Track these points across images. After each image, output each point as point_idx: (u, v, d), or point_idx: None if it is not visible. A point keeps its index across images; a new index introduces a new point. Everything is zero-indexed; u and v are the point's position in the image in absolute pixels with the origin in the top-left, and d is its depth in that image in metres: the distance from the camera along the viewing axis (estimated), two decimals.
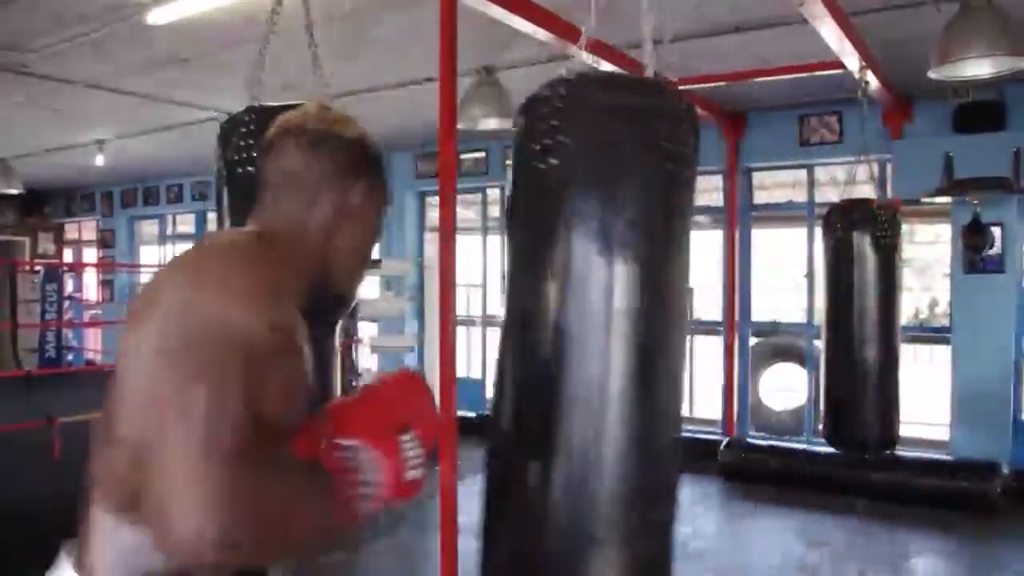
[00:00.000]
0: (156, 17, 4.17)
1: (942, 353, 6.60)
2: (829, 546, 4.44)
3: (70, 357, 9.91)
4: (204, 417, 0.93)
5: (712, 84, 5.35)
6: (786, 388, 7.04)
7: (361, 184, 1.23)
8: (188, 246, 1.25)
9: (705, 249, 7.80)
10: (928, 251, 9.88)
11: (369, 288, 7.43)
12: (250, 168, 2.27)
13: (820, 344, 5.30)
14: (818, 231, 5.43)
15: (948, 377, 5.60)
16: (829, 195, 6.40)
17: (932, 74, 3.87)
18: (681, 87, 5.51)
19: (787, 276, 7.49)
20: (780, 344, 7.21)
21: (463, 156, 6.83)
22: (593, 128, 1.67)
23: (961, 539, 4.64)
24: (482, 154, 7.40)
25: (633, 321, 1.62)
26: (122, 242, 10.82)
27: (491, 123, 5.15)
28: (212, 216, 6.70)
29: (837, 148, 5.89)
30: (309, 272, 1.19)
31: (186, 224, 10.40)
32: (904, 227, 5.11)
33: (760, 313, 6.93)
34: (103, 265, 10.91)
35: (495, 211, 8.01)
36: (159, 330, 1.01)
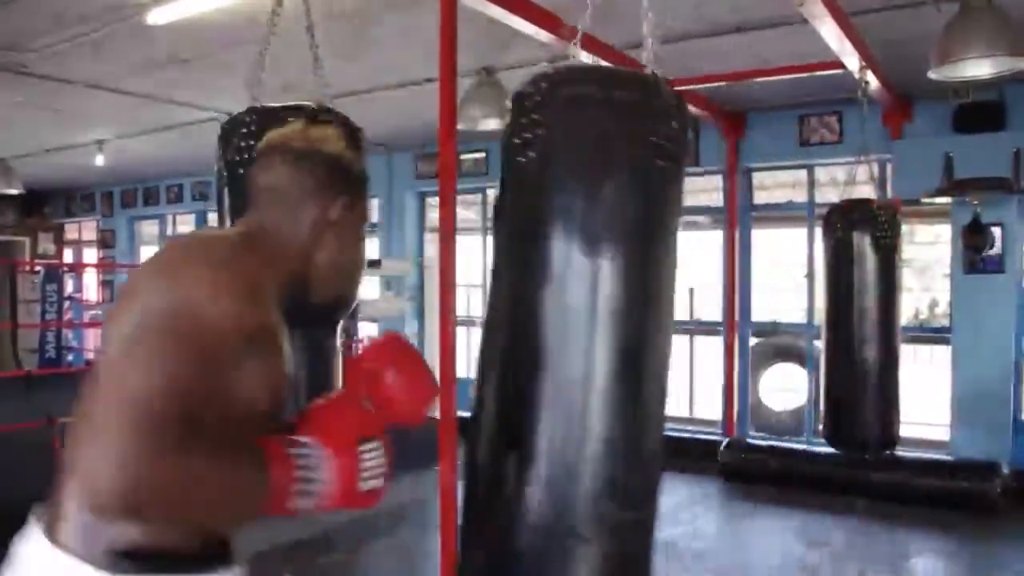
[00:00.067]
0: (156, 17, 4.17)
1: (942, 353, 6.60)
2: (829, 546, 4.44)
3: (70, 357, 9.91)
4: (143, 391, 0.99)
5: (712, 84, 5.35)
6: (786, 388, 7.04)
7: (341, 200, 1.29)
8: None
9: (705, 249, 7.80)
10: (928, 251, 9.88)
11: (369, 288, 7.43)
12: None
13: (820, 344, 5.30)
14: (818, 231, 5.43)
15: (948, 377, 5.60)
16: (829, 195, 6.40)
17: (932, 74, 3.87)
18: (681, 87, 5.52)
19: (787, 276, 7.49)
20: (780, 344, 7.21)
21: (463, 156, 6.83)
22: (571, 121, 1.65)
23: (961, 539, 4.64)
24: (482, 154, 7.40)
25: (614, 319, 1.60)
26: (122, 242, 10.82)
27: (491, 123, 5.15)
28: (212, 216, 6.71)
29: (837, 148, 5.89)
30: (288, 278, 1.25)
31: (186, 224, 10.40)
32: (904, 227, 5.11)
33: (760, 313, 6.93)
34: (103, 265, 10.92)
35: None
36: (132, 318, 1.07)
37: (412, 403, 1.33)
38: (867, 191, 5.28)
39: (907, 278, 6.40)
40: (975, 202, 5.17)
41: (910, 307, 9.14)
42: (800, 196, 6.64)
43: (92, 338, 11.22)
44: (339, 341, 2.94)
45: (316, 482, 1.12)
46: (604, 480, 1.59)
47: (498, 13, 3.70)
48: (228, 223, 2.51)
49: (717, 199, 6.91)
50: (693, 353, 7.95)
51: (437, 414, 3.22)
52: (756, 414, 6.79)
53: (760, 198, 6.94)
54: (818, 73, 4.87)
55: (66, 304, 9.91)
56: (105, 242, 11.07)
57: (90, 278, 11.47)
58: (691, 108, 5.70)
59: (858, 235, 4.84)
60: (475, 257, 7.95)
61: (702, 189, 7.55)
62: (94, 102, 6.02)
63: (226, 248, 1.17)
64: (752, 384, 6.84)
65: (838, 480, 5.25)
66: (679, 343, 8.29)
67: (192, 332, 1.04)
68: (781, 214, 7.38)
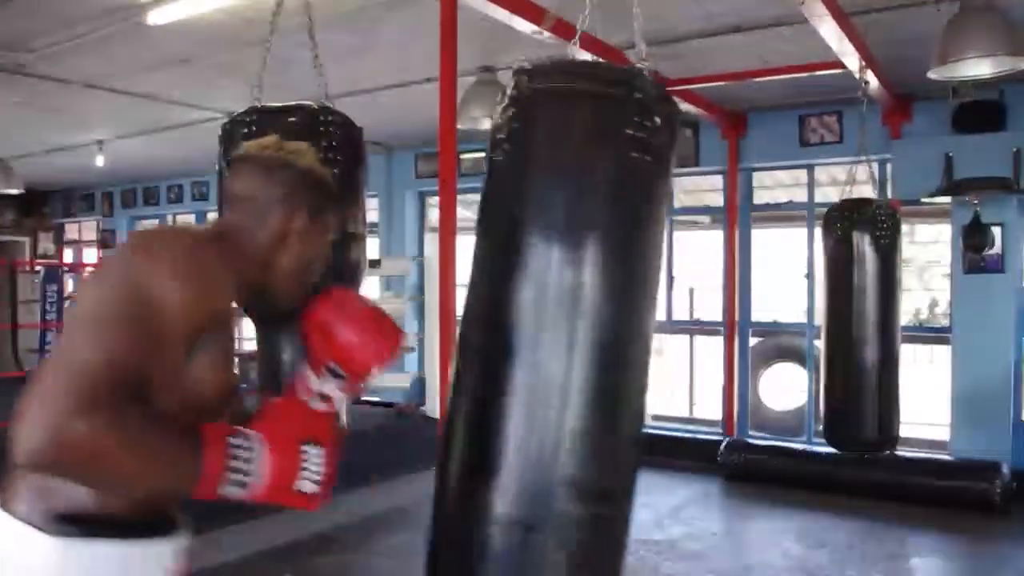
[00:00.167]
0: (156, 17, 4.17)
1: (942, 353, 6.60)
2: (829, 546, 4.44)
3: None
4: (82, 362, 1.05)
5: (712, 84, 5.35)
6: (786, 388, 7.05)
7: (305, 211, 1.35)
8: None
9: (705, 249, 7.81)
10: (928, 251, 9.89)
11: (369, 288, 7.43)
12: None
13: (820, 344, 5.30)
14: (818, 231, 5.43)
15: (948, 377, 5.60)
16: (829, 195, 6.40)
17: (932, 74, 3.87)
18: (681, 87, 5.50)
19: (787, 276, 7.49)
20: (780, 344, 7.21)
21: (463, 156, 6.83)
22: (544, 115, 1.65)
23: (961, 539, 4.64)
24: (482, 154, 7.38)
25: (585, 315, 1.59)
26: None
27: (491, 123, 5.14)
28: (213, 216, 6.70)
29: (837, 148, 5.89)
30: (249, 279, 1.32)
31: None
32: (904, 227, 5.12)
33: (760, 313, 6.93)
34: None
35: None
36: (89, 299, 1.15)
37: (367, 349, 1.34)
38: (867, 191, 5.28)
39: (907, 278, 6.40)
40: (975, 202, 5.17)
41: (910, 307, 9.14)
42: (800, 196, 6.65)
43: None
44: None
45: (249, 474, 1.15)
46: (577, 475, 1.58)
47: (498, 13, 3.70)
48: None
49: (717, 199, 6.91)
50: (693, 353, 7.95)
51: (436, 414, 3.22)
52: (756, 414, 6.79)
53: (760, 198, 6.94)
54: (818, 73, 4.87)
55: (66, 304, 9.90)
56: (105, 242, 11.07)
57: None
58: (691, 108, 5.72)
59: (858, 235, 4.84)
60: None
61: (702, 189, 7.56)
62: (94, 102, 6.02)
63: (188, 240, 1.22)
64: (752, 384, 6.84)
65: (838, 480, 5.25)
66: (680, 343, 8.36)
67: (142, 314, 1.10)
68: (781, 214, 7.38)
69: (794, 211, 6.85)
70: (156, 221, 10.64)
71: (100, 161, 7.85)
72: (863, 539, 4.57)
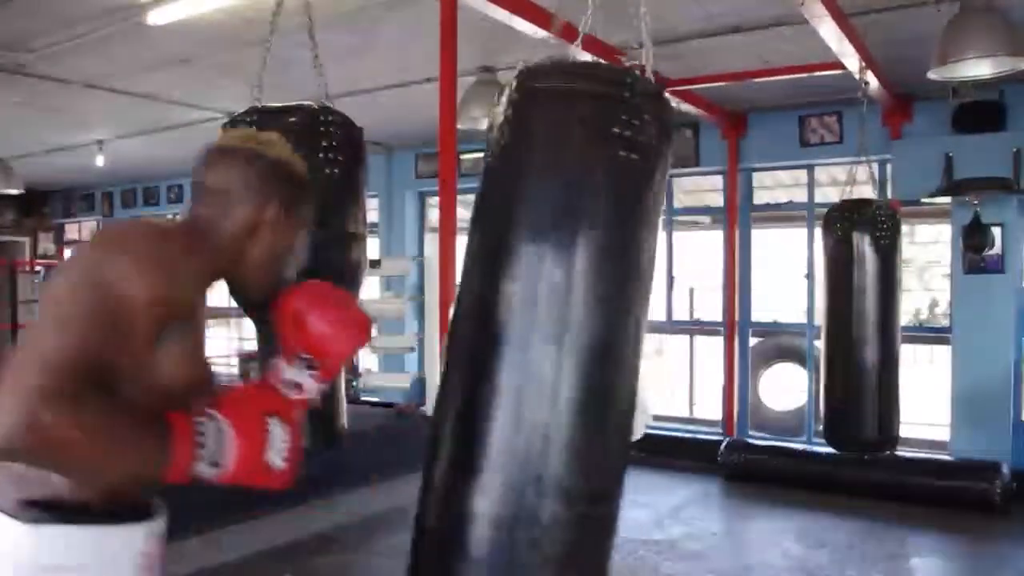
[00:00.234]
0: (156, 17, 4.17)
1: (942, 353, 6.60)
2: (829, 546, 4.44)
3: None
4: (48, 350, 1.08)
5: (712, 84, 5.35)
6: (786, 388, 7.05)
7: (275, 202, 1.36)
8: None
9: (705, 249, 7.81)
10: (928, 251, 9.89)
11: (369, 288, 7.43)
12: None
13: (820, 344, 5.30)
14: (818, 231, 5.43)
15: (948, 377, 5.60)
16: (829, 195, 6.40)
17: (932, 74, 3.87)
18: (681, 87, 5.49)
19: (787, 276, 7.50)
20: (780, 344, 7.21)
21: (463, 156, 6.82)
22: (534, 115, 1.65)
23: (961, 539, 4.64)
24: (482, 154, 7.40)
25: (570, 314, 1.58)
26: None
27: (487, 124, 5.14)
28: None
29: (837, 148, 5.89)
30: (220, 270, 1.35)
31: None
32: (904, 227, 5.12)
33: (760, 313, 6.93)
34: None
35: None
36: (58, 290, 1.17)
37: (338, 340, 1.36)
38: (867, 191, 5.28)
39: (907, 278, 6.40)
40: (975, 202, 5.17)
41: (910, 307, 9.15)
42: (800, 196, 6.65)
43: None
44: None
45: (218, 453, 1.17)
46: (564, 476, 1.57)
47: (498, 13, 3.70)
48: None
49: (717, 199, 6.91)
50: (693, 353, 7.95)
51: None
52: (756, 414, 6.79)
53: (760, 198, 6.94)
54: (818, 73, 4.87)
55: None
56: None
57: None
58: (691, 108, 5.72)
59: (858, 235, 4.84)
60: None
61: (702, 189, 7.56)
62: (94, 102, 6.02)
63: (152, 233, 1.24)
64: (752, 384, 6.84)
65: (838, 480, 5.25)
66: (680, 343, 8.35)
67: (106, 307, 1.13)
68: (781, 214, 7.38)
69: (794, 211, 6.85)
70: None
71: (100, 161, 7.84)
72: (863, 539, 4.57)
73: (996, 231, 5.29)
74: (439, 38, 3.51)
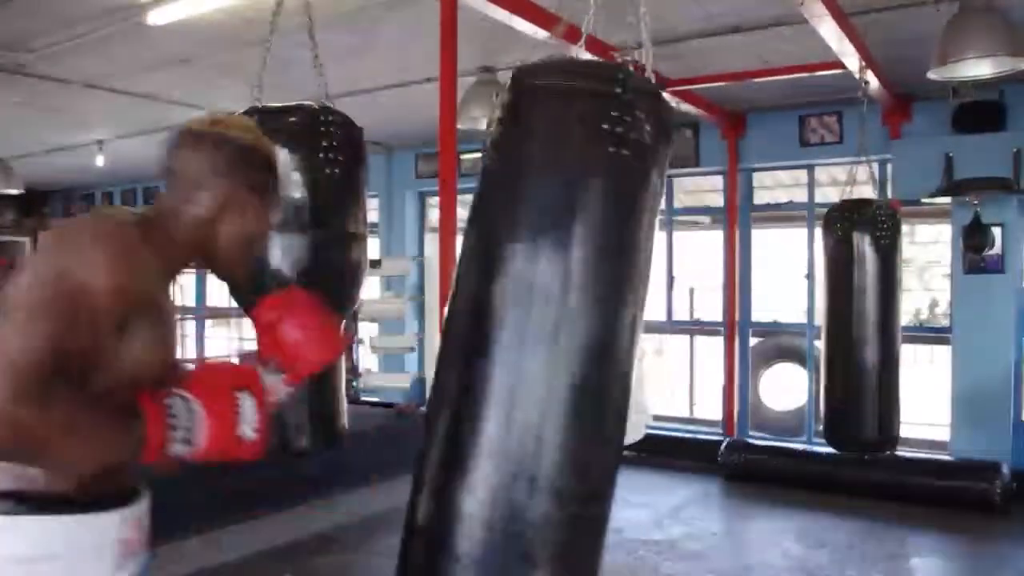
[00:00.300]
0: (156, 17, 4.17)
1: (942, 353, 6.59)
2: (829, 546, 4.44)
3: None
4: (13, 347, 1.09)
5: (712, 84, 5.35)
6: (786, 388, 7.04)
7: (243, 186, 1.35)
8: None
9: (705, 249, 7.80)
10: (928, 251, 9.89)
11: (369, 288, 7.43)
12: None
13: (820, 344, 5.30)
14: (818, 231, 5.43)
15: (948, 377, 5.60)
16: (829, 195, 6.40)
17: (932, 74, 3.87)
18: (681, 87, 5.48)
19: (787, 276, 7.49)
20: (780, 344, 7.21)
21: (463, 156, 6.82)
22: (526, 114, 1.65)
23: (961, 539, 4.63)
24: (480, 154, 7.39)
25: (569, 317, 1.58)
26: None
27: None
28: None
29: (837, 148, 5.89)
30: (187, 256, 1.35)
31: None
32: (904, 227, 5.12)
33: (760, 313, 6.93)
34: None
35: None
36: (20, 286, 1.17)
37: (308, 352, 1.39)
38: (867, 191, 5.28)
39: (907, 278, 6.40)
40: (975, 202, 5.17)
41: (910, 307, 9.14)
42: (800, 196, 6.64)
43: None
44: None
45: (190, 430, 1.20)
46: (555, 476, 1.57)
47: (498, 13, 3.70)
48: None
49: (717, 199, 6.90)
50: (693, 353, 7.95)
51: None
52: (756, 414, 6.79)
53: (760, 198, 6.94)
54: (818, 73, 4.87)
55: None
56: None
57: None
58: (691, 108, 5.72)
59: (858, 235, 4.84)
60: None
61: (702, 189, 7.56)
62: (94, 102, 6.02)
63: (110, 227, 1.24)
64: (752, 384, 6.84)
65: (838, 480, 5.25)
66: (680, 343, 8.35)
67: (67, 302, 1.13)
68: (781, 214, 7.38)
69: (794, 211, 6.84)
70: None
71: (100, 161, 7.84)
72: (863, 539, 4.57)
73: (996, 231, 5.29)
74: (439, 38, 3.51)
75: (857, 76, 4.61)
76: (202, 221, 1.34)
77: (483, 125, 5.18)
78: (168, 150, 1.37)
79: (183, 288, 11.77)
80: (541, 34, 3.89)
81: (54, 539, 1.19)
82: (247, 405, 1.25)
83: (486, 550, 1.57)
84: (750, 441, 6.07)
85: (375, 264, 6.77)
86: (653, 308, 6.98)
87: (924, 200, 5.33)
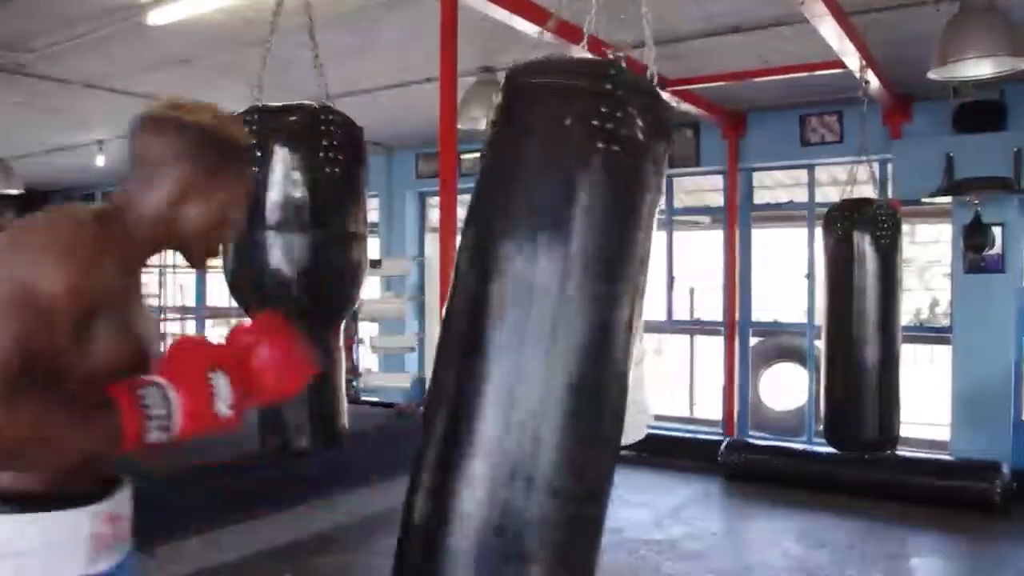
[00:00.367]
0: (156, 17, 4.17)
1: (942, 353, 6.60)
2: (829, 546, 4.44)
3: None
4: None
5: (712, 84, 5.35)
6: (786, 388, 7.05)
7: (202, 168, 1.32)
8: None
9: (705, 249, 7.80)
10: (928, 251, 9.89)
11: (369, 288, 7.43)
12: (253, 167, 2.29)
13: (820, 344, 5.30)
14: (818, 231, 5.43)
15: (948, 377, 5.60)
16: (829, 195, 6.40)
17: (932, 74, 3.87)
18: (681, 87, 5.48)
19: (787, 276, 7.49)
20: (780, 344, 7.21)
21: (463, 156, 6.82)
22: (519, 113, 1.65)
23: (961, 539, 4.64)
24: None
25: (566, 316, 1.57)
26: None
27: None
28: None
29: (837, 148, 5.89)
30: (151, 244, 1.34)
31: None
32: (904, 227, 5.11)
33: (760, 313, 6.93)
34: None
35: None
36: None
37: (273, 381, 1.37)
38: (867, 191, 5.28)
39: (907, 278, 6.40)
40: (976, 202, 5.17)
41: (910, 307, 9.14)
42: (800, 196, 6.64)
43: None
44: (341, 341, 2.94)
45: (167, 415, 1.19)
46: (553, 476, 1.56)
47: (498, 13, 3.70)
48: None
49: (717, 199, 6.90)
50: (693, 353, 7.95)
51: None
52: (756, 414, 6.79)
53: (760, 198, 6.94)
54: (818, 73, 4.87)
55: None
56: None
57: None
58: (691, 108, 5.72)
59: (858, 235, 4.83)
60: None
61: (702, 189, 7.56)
62: (94, 102, 6.02)
63: (65, 225, 1.22)
64: (752, 384, 6.84)
65: (838, 480, 5.25)
66: (680, 343, 8.35)
67: (27, 301, 1.12)
68: (781, 214, 7.38)
69: (794, 211, 6.84)
70: None
71: (100, 161, 7.84)
72: (863, 539, 4.57)
73: (996, 231, 5.29)
74: (439, 38, 3.51)
75: (857, 76, 4.61)
76: (164, 207, 1.32)
77: (483, 125, 5.18)
78: (132, 135, 1.36)
79: (183, 288, 11.76)
80: (542, 34, 3.89)
81: (24, 537, 1.19)
82: (221, 383, 1.24)
83: (482, 550, 1.56)
84: (750, 441, 6.07)
85: (375, 264, 6.78)
86: (653, 308, 6.99)
87: (924, 200, 5.33)
